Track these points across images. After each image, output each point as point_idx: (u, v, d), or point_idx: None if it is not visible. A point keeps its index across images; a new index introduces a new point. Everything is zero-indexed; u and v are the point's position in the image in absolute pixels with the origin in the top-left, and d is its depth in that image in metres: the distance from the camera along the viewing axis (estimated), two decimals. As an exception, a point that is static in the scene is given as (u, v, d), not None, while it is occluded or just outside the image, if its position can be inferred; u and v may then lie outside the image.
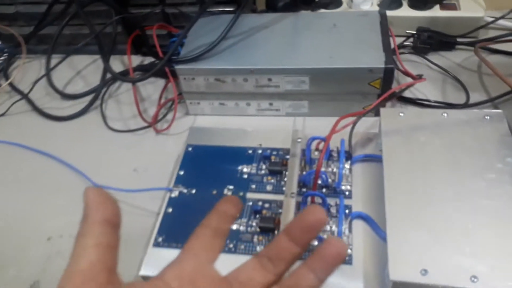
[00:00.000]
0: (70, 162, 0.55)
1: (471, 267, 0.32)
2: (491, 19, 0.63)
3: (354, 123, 0.45)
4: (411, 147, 0.40)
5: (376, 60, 0.51)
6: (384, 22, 0.57)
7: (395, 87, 0.51)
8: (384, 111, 0.44)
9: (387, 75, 0.51)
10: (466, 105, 0.56)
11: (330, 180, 0.43)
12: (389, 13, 0.66)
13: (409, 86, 0.50)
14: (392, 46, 0.56)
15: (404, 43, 0.65)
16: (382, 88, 0.52)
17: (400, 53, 0.64)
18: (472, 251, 0.33)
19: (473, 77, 0.60)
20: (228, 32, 0.56)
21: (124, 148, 0.58)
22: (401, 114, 0.43)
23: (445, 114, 0.42)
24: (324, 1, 0.68)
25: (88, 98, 0.65)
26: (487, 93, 0.58)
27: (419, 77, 0.54)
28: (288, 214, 0.38)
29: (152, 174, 0.53)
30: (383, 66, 0.50)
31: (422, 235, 0.34)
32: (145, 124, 0.60)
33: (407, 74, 0.53)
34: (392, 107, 0.56)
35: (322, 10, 0.68)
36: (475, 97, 0.57)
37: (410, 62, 0.64)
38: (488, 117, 0.41)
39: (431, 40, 0.63)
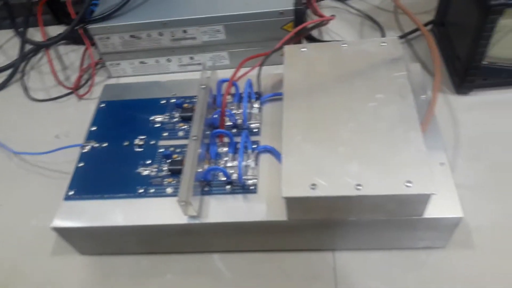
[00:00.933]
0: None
1: (356, 177, 0.33)
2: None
3: (261, 64, 0.45)
4: (310, 78, 0.41)
5: (286, 2, 0.51)
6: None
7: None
8: (288, 47, 0.44)
9: (298, 17, 0.51)
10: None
11: (239, 120, 0.43)
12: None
13: (317, 23, 0.50)
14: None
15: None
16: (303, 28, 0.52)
17: (322, 0, 0.65)
18: (358, 163, 0.34)
19: (389, 17, 0.61)
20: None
21: (47, 116, 0.58)
22: (303, 50, 0.43)
23: (345, 45, 0.43)
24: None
25: (8, 72, 0.63)
26: (401, 31, 0.59)
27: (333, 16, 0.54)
28: (191, 155, 0.38)
29: (73, 139, 0.52)
30: (292, 7, 0.51)
31: (313, 154, 0.35)
32: (67, 91, 0.59)
33: (318, 14, 0.53)
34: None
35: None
36: (390, 35, 0.58)
37: (331, 8, 0.64)
38: (384, 43, 0.42)
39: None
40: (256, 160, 0.40)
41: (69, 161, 0.44)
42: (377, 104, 0.38)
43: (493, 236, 0.39)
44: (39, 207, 0.46)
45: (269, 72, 0.46)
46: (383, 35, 0.58)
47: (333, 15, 0.52)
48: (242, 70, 0.44)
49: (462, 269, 0.38)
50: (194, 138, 0.39)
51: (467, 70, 0.48)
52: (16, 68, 0.63)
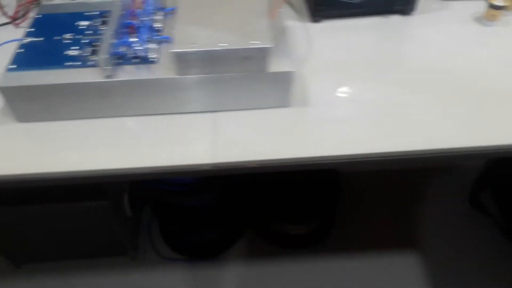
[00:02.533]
0: None
1: (221, 39, 0.50)
2: None
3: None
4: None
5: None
6: None
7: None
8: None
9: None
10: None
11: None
12: None
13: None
14: None
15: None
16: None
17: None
18: (223, 32, 0.51)
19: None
20: None
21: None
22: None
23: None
24: None
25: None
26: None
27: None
28: (109, 29, 0.53)
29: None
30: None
31: (195, 28, 0.51)
32: (7, 21, 0.71)
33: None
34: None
35: None
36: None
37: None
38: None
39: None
40: (159, 45, 0.56)
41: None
42: (243, 5, 0.55)
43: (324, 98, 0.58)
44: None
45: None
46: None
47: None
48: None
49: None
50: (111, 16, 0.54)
51: (315, 4, 0.68)
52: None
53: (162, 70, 0.53)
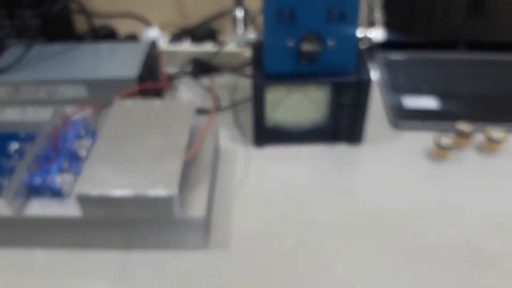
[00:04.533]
0: None
1: (125, 182, 0.48)
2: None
3: (98, 112, 0.61)
4: (123, 124, 0.57)
5: (132, 72, 0.69)
6: (152, 49, 0.76)
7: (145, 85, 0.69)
8: (118, 102, 0.61)
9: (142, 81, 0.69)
10: (218, 109, 0.75)
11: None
12: (175, 47, 0.87)
13: (151, 87, 0.68)
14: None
15: (185, 70, 0.85)
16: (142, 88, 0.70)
17: (181, 76, 0.84)
18: (129, 176, 0.49)
19: (225, 91, 0.80)
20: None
21: None
22: (128, 104, 0.60)
23: (157, 103, 0.60)
24: (126, 37, 0.87)
25: None
26: (232, 101, 0.78)
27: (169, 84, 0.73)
28: (23, 163, 0.52)
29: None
30: (136, 76, 0.68)
31: (104, 167, 0.50)
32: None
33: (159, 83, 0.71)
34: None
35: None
36: (223, 104, 0.77)
37: (185, 83, 0.83)
38: (182, 104, 0.60)
39: (201, 67, 0.83)
40: (75, 175, 0.55)
41: None
42: (160, 141, 0.54)
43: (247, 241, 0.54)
44: None
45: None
46: (219, 105, 0.76)
47: (167, 86, 0.70)
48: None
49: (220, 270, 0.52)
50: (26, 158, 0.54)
51: (258, 129, 0.66)
52: None
53: (70, 207, 0.51)
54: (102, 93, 0.70)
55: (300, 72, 0.61)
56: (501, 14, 0.84)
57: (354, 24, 0.58)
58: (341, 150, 0.67)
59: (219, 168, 0.64)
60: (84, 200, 0.49)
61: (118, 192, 0.48)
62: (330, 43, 0.58)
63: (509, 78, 0.80)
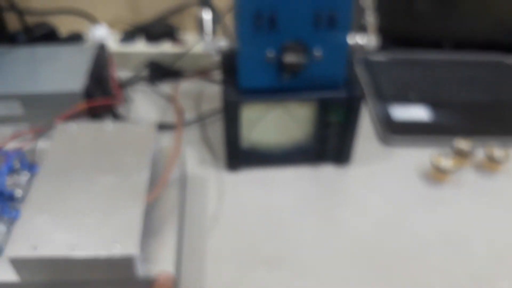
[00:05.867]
0: None
1: (72, 239, 0.38)
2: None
3: (35, 138, 0.49)
4: (69, 154, 0.46)
5: (77, 83, 0.57)
6: (100, 53, 0.64)
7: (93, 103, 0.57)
8: (60, 125, 0.49)
9: (89, 96, 0.57)
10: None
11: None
12: (128, 48, 0.74)
13: (101, 103, 0.57)
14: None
15: (140, 75, 0.73)
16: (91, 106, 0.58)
17: (136, 83, 0.72)
18: (77, 230, 0.38)
19: (189, 101, 0.70)
20: None
21: None
22: (73, 128, 0.49)
23: (109, 127, 0.49)
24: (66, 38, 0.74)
25: None
26: (198, 115, 0.67)
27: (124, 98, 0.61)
28: None
29: None
30: (81, 90, 0.56)
31: (43, 220, 0.39)
32: None
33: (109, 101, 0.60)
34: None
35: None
36: (188, 117, 0.66)
37: (142, 91, 0.72)
38: (142, 128, 0.49)
39: (159, 72, 0.72)
40: (9, 227, 0.43)
41: None
42: (115, 179, 0.43)
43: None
44: None
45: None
46: (183, 117, 0.66)
47: (120, 100, 0.59)
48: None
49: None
50: None
51: (231, 152, 0.56)
52: None
53: (3, 270, 0.40)
54: (41, 110, 0.58)
55: (281, 87, 0.51)
56: (487, 12, 0.78)
57: (346, 30, 0.49)
58: (327, 172, 0.59)
59: (187, 201, 0.54)
60: (20, 264, 0.38)
61: (63, 252, 0.37)
62: (317, 53, 0.49)
63: (500, 81, 0.74)
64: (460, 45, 0.79)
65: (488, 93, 0.71)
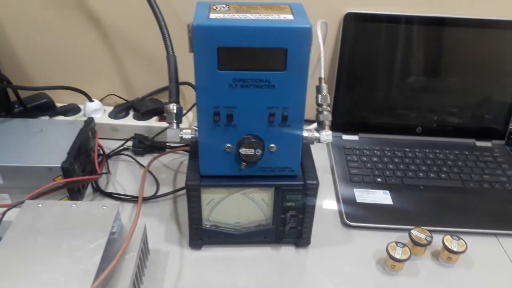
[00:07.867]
0: None
1: None
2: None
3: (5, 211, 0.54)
4: (31, 231, 0.49)
5: (56, 160, 0.62)
6: (86, 128, 0.69)
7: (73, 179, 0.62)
8: (27, 202, 0.53)
9: (66, 173, 0.61)
10: (154, 196, 0.68)
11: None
12: (117, 121, 0.80)
13: (79, 180, 0.61)
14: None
15: (125, 145, 0.78)
16: (67, 183, 0.62)
17: (121, 153, 0.77)
18: None
19: (169, 175, 0.74)
20: None
21: None
22: (39, 205, 0.53)
23: (74, 205, 0.53)
24: (63, 109, 0.80)
25: None
26: (174, 187, 0.71)
27: (101, 174, 0.65)
28: None
29: None
30: (60, 165, 0.61)
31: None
32: None
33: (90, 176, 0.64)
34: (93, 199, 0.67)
35: (43, 118, 0.78)
36: (163, 190, 0.70)
37: (127, 162, 0.76)
38: (105, 207, 0.53)
39: (143, 144, 0.76)
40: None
41: None
42: (67, 261, 0.46)
43: None
44: None
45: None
46: (157, 189, 0.69)
47: (99, 174, 0.63)
48: None
49: None
50: None
51: (193, 231, 0.59)
52: None
53: None
54: (21, 182, 0.62)
55: (240, 174, 0.55)
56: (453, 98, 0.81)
57: (299, 127, 0.52)
58: (287, 253, 0.61)
59: (146, 277, 0.56)
60: None
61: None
62: (272, 147, 0.53)
63: (469, 166, 0.76)
64: (428, 131, 0.82)
65: (455, 179, 0.73)
